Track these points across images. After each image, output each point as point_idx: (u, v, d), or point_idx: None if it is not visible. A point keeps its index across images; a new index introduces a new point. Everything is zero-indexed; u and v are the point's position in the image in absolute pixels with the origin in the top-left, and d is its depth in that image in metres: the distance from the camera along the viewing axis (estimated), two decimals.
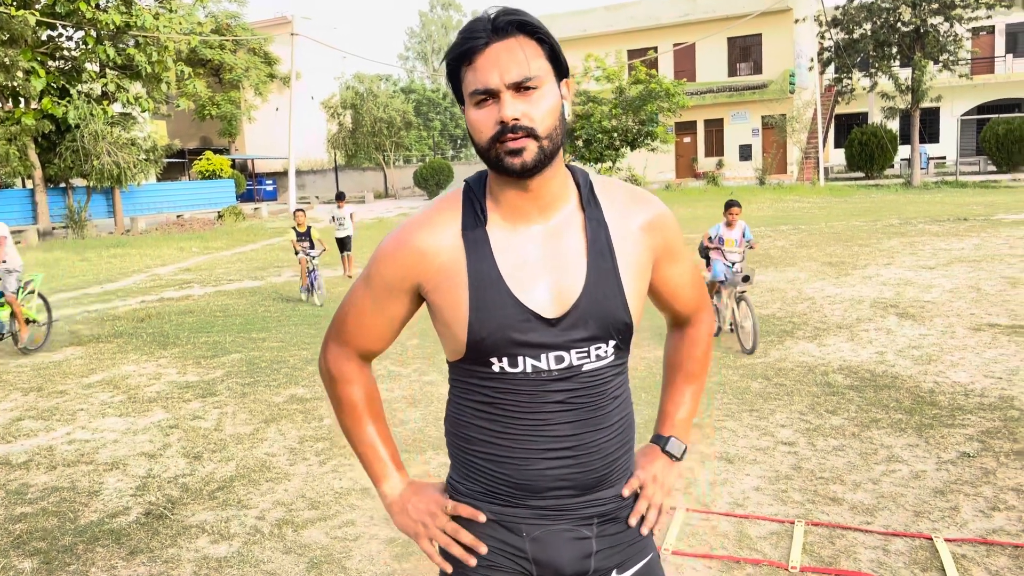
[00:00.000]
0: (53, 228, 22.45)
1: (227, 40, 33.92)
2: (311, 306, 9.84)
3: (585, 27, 39.03)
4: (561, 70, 1.34)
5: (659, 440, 1.59)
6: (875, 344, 6.64)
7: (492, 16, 1.30)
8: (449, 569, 1.45)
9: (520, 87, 1.27)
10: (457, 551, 1.42)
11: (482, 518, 1.42)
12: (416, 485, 1.51)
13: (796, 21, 33.03)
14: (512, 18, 1.29)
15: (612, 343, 1.39)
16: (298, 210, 10.63)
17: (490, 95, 1.28)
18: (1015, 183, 26.18)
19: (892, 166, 33.57)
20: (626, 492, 1.46)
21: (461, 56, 1.30)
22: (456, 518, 1.44)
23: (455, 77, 1.33)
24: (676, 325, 1.66)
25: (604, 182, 1.45)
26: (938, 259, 11.09)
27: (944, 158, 36.54)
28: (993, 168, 31.71)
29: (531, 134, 1.27)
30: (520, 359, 1.35)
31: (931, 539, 3.28)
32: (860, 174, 33.97)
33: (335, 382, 1.52)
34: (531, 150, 1.28)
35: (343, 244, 12.14)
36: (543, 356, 1.35)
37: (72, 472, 4.53)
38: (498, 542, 1.42)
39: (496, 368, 1.37)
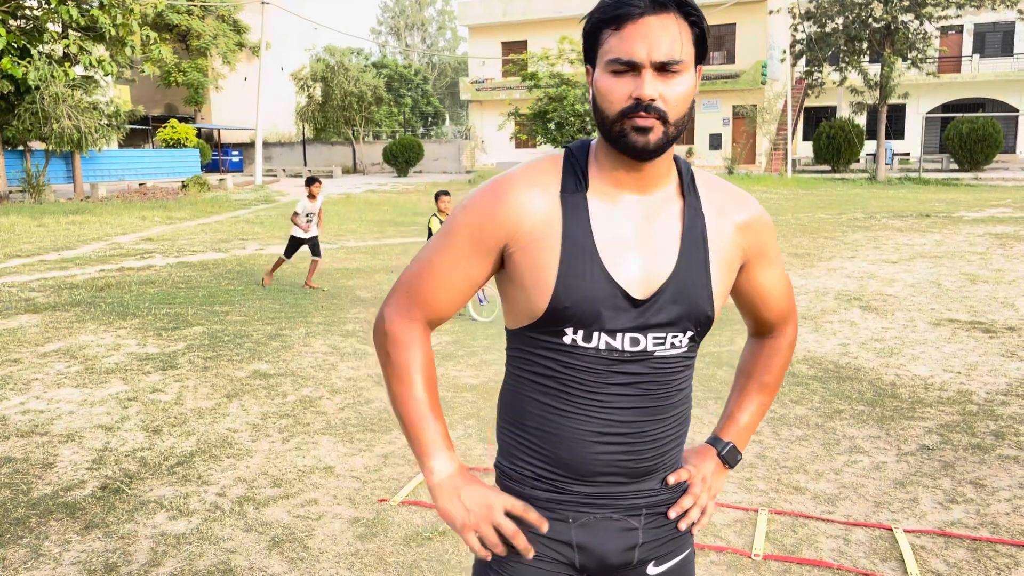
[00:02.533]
0: (10, 192, 21.84)
1: (195, 5, 33.16)
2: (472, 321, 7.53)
3: (560, 9, 38.81)
4: (703, 55, 1.30)
5: (716, 443, 1.55)
6: (839, 336, 6.73)
7: None
8: (489, 558, 1.38)
9: (664, 67, 1.23)
10: (501, 552, 1.35)
11: (544, 527, 1.36)
12: (470, 472, 1.42)
13: (770, 12, 33.22)
14: None
15: (689, 333, 1.36)
16: (444, 193, 7.86)
17: (631, 67, 1.24)
18: (976, 182, 26.70)
19: (858, 160, 34.04)
20: (672, 480, 1.43)
21: (610, 19, 1.24)
22: (511, 518, 1.36)
23: (593, 36, 1.28)
24: (759, 333, 1.61)
25: (705, 176, 1.43)
26: (900, 254, 11.27)
27: (908, 154, 37.17)
28: (955, 166, 32.30)
29: (662, 117, 1.24)
30: (596, 334, 1.31)
31: (891, 530, 3.33)
32: (827, 167, 34.38)
33: (396, 344, 1.39)
34: (657, 132, 1.25)
35: (313, 247, 9.20)
36: (619, 335, 1.32)
37: (25, 443, 4.41)
38: (552, 534, 1.39)
39: (568, 340, 1.32)
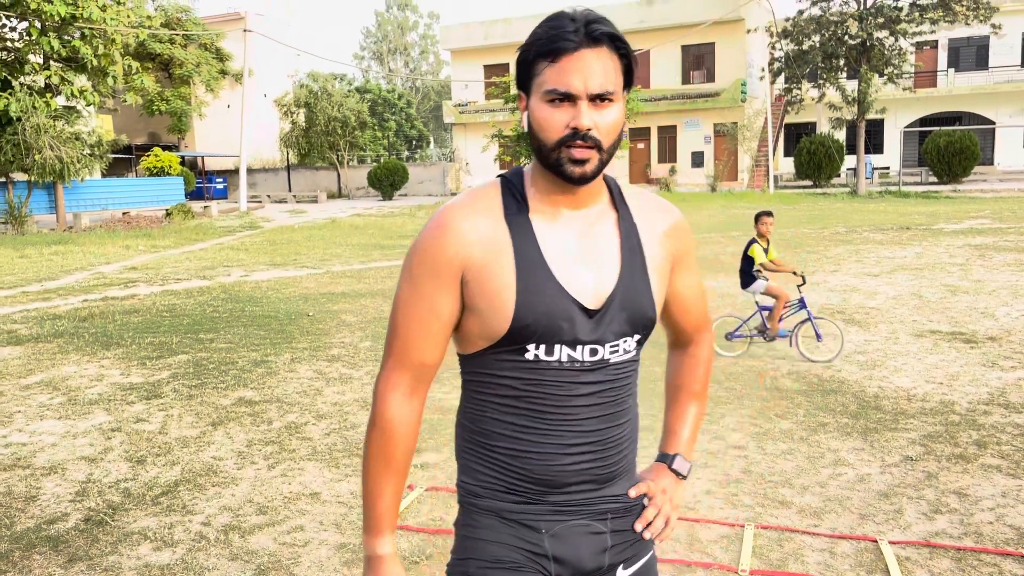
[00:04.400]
0: None
1: (177, 35, 33.25)
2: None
3: None
4: (629, 84, 1.37)
5: (665, 458, 1.62)
6: (822, 349, 6.77)
7: (585, 21, 1.31)
8: None
9: (599, 98, 1.31)
10: None
11: None
12: (399, 563, 1.46)
13: (748, 31, 33.64)
14: (606, 30, 1.31)
15: (637, 337, 1.43)
16: (766, 214, 7.12)
17: (568, 98, 1.30)
18: (955, 194, 27.01)
19: (839, 175, 34.37)
20: (633, 493, 1.49)
21: (547, 52, 1.31)
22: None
23: (528, 66, 1.34)
24: (679, 344, 1.68)
25: (631, 188, 1.51)
26: (882, 267, 11.37)
27: (888, 168, 37.59)
28: (934, 179, 32.68)
29: (597, 145, 1.31)
30: (557, 347, 1.36)
31: (876, 541, 3.34)
32: (808, 182, 34.70)
33: (381, 422, 1.41)
34: (593, 162, 1.32)
35: None
36: (579, 347, 1.37)
37: (8, 476, 4.36)
38: (518, 539, 1.42)
39: (531, 356, 1.37)
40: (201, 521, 3.75)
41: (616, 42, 1.32)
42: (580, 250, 1.39)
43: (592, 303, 1.37)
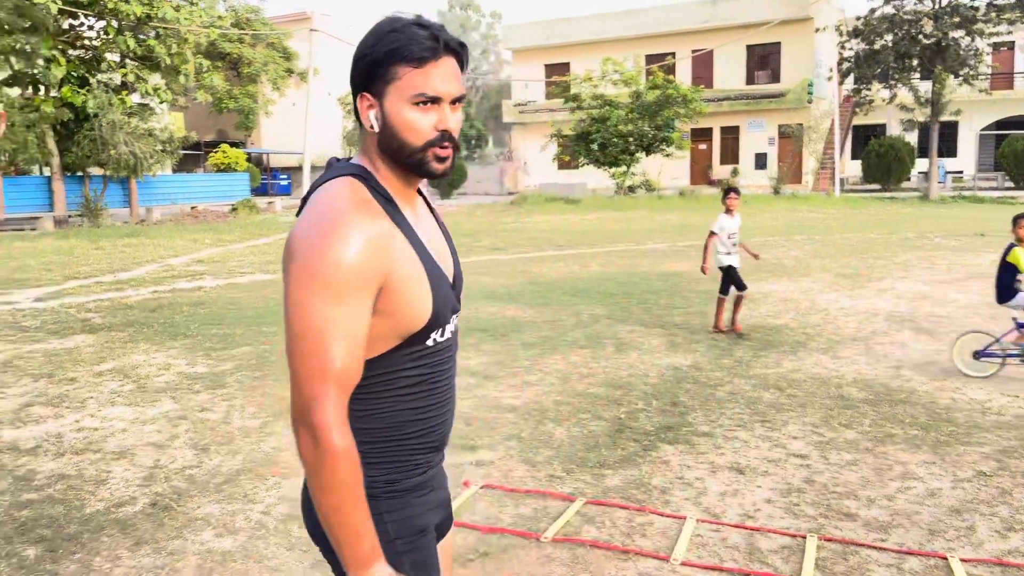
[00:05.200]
0: (69, 216, 22.55)
1: (246, 34, 34.02)
2: None
3: (604, 31, 38.96)
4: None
5: None
6: (890, 358, 6.57)
7: (440, 30, 1.41)
8: None
9: (457, 101, 1.44)
10: None
11: None
12: None
13: (816, 30, 32.88)
14: (459, 40, 1.44)
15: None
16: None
17: (434, 102, 1.41)
18: None
19: (909, 179, 33.37)
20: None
21: (412, 57, 1.38)
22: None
23: (382, 66, 1.39)
24: None
25: None
26: (954, 274, 10.98)
27: (961, 172, 36.31)
28: (1011, 184, 31.46)
29: (455, 145, 1.45)
30: (444, 328, 1.50)
31: (946, 559, 3.22)
32: (876, 186, 33.77)
33: (342, 460, 1.31)
34: (451, 159, 1.46)
35: (732, 278, 7.64)
36: (452, 322, 1.54)
37: (80, 460, 4.52)
38: (426, 505, 1.55)
39: (431, 342, 1.48)
40: (261, 510, 3.81)
41: (464, 52, 1.46)
42: (431, 235, 1.52)
43: (451, 280, 1.53)
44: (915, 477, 4.09)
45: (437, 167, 1.43)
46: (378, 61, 1.39)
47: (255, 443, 4.74)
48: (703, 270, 7.79)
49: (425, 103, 1.39)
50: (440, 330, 1.47)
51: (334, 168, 1.48)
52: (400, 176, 1.46)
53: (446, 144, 1.42)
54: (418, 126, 1.39)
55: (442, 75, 1.39)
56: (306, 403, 1.32)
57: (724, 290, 7.70)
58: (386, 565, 1.38)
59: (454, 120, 1.43)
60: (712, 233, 7.64)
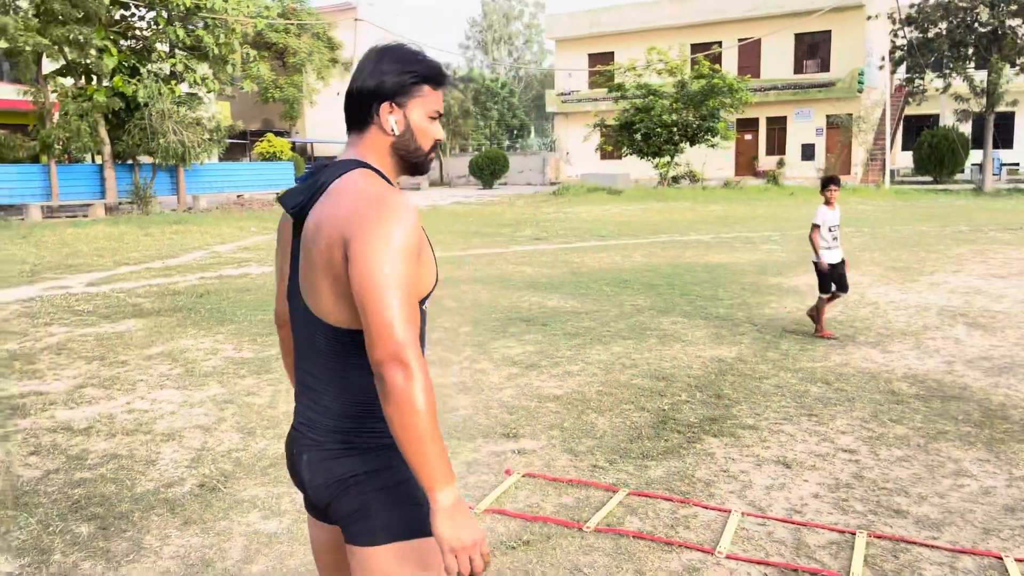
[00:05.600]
0: (119, 203, 23.05)
1: (292, 24, 34.37)
2: None
3: (649, 20, 38.55)
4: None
5: None
6: (943, 353, 6.41)
7: (445, 66, 1.79)
8: (480, 570, 1.56)
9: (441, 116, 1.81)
10: (479, 568, 1.55)
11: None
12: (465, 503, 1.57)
13: (868, 18, 32.14)
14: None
15: None
16: None
17: (439, 117, 1.78)
18: None
19: (962, 171, 32.50)
20: None
21: (437, 80, 1.75)
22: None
23: (414, 84, 1.72)
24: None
25: None
26: (1010, 268, 10.67)
27: (1017, 165, 35.26)
28: None
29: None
30: (429, 297, 1.73)
31: (1001, 558, 3.13)
32: (928, 178, 32.96)
33: (429, 384, 1.53)
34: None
35: (832, 276, 7.06)
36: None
37: (130, 441, 4.61)
38: None
39: (425, 307, 1.72)
40: None
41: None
42: None
43: None
44: (968, 475, 3.99)
45: (429, 166, 1.81)
46: (409, 80, 1.70)
47: None
48: (818, 266, 7.01)
49: (436, 118, 1.76)
50: (430, 297, 1.71)
51: (339, 165, 1.70)
52: (398, 171, 1.77)
53: (435, 150, 1.78)
54: (429, 135, 1.75)
55: (443, 99, 1.78)
56: (400, 345, 1.51)
57: (825, 288, 7.03)
58: (455, 488, 1.54)
59: (442, 133, 1.80)
60: (815, 226, 7.05)
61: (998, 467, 4.07)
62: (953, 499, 3.71)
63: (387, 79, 1.69)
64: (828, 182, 7.09)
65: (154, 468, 4.21)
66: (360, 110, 1.72)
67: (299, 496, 3.82)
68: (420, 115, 1.72)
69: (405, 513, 1.65)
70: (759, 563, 3.13)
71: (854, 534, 3.35)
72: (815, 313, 7.13)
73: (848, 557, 3.17)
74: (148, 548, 3.34)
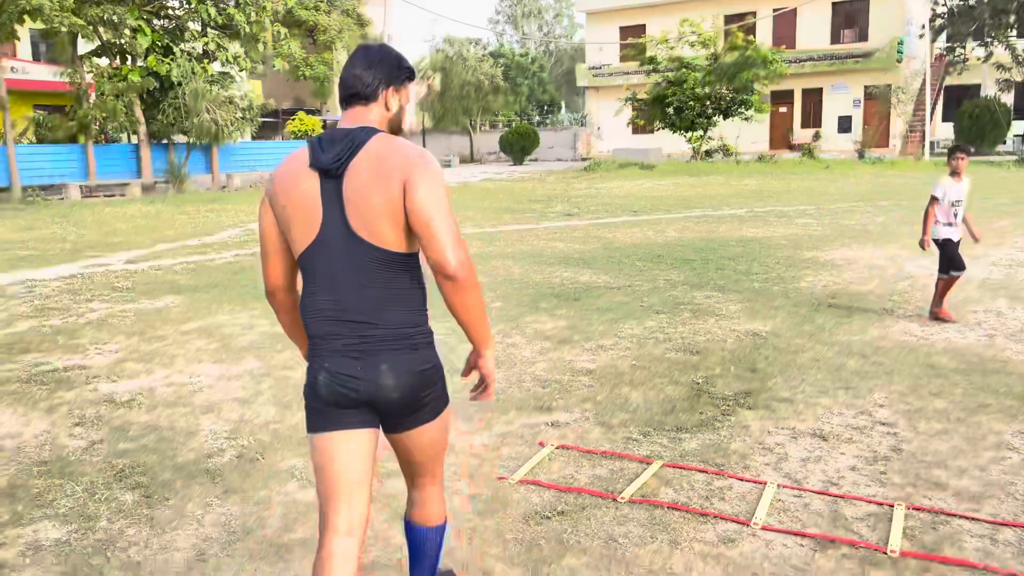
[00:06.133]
0: (155, 182, 23.37)
1: (322, 1, 34.36)
2: None
3: None
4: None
5: None
6: (983, 327, 6.29)
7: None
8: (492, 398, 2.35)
9: None
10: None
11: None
12: None
13: None
14: None
15: None
16: None
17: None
18: None
19: (1004, 142, 31.68)
20: None
21: (413, 77, 2.30)
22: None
23: (403, 78, 2.24)
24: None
25: None
26: None
27: None
28: None
29: None
30: None
31: None
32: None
33: (477, 278, 2.10)
34: None
35: (948, 254, 6.46)
36: None
37: (171, 413, 4.71)
38: None
39: None
40: None
41: None
42: None
43: None
44: (1011, 447, 3.92)
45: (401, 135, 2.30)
46: (404, 75, 2.24)
47: None
48: (922, 244, 6.48)
49: (410, 103, 2.40)
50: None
51: (363, 130, 2.13)
52: None
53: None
54: (408, 114, 2.54)
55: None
56: (463, 251, 2.06)
57: (945, 268, 6.45)
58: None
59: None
60: (933, 199, 6.40)
61: None
62: (994, 472, 3.66)
63: (392, 72, 2.20)
64: (956, 150, 6.45)
65: (194, 439, 4.29)
66: (365, 92, 2.17)
67: None
68: (406, 99, 2.27)
69: (446, 387, 2.29)
70: (795, 534, 3.12)
71: (892, 506, 3.32)
72: (938, 293, 6.55)
73: (886, 529, 3.14)
74: (190, 516, 3.41)
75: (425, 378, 2.17)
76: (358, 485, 2.18)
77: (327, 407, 2.18)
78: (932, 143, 32.52)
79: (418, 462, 2.34)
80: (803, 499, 3.44)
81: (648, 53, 32.35)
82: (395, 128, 2.24)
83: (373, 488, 2.31)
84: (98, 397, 5.03)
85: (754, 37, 31.69)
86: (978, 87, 35.27)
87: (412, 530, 2.46)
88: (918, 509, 3.31)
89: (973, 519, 3.21)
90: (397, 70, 2.20)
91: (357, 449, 2.18)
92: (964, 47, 28.68)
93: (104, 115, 21.47)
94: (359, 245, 2.07)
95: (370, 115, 2.17)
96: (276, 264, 2.24)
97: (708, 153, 32.32)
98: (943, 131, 36.63)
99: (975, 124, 30.62)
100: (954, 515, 3.25)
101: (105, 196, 21.82)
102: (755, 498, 3.44)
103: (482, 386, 2.26)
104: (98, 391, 5.16)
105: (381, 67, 2.18)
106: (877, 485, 3.56)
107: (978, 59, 29.00)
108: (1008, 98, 31.70)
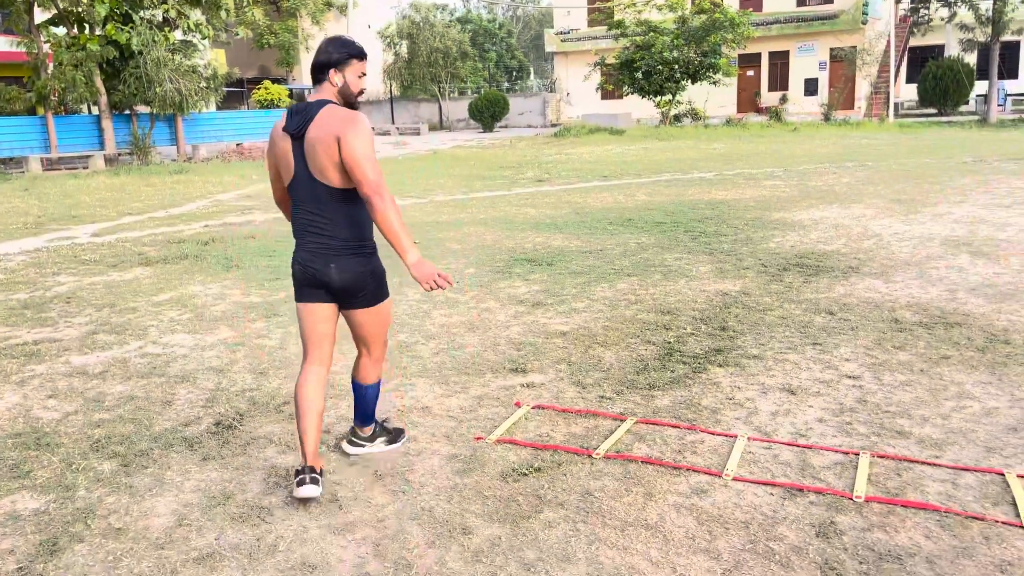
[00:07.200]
0: (119, 154, 22.91)
1: None
2: None
3: None
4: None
5: None
6: (946, 282, 6.44)
7: (361, 46, 3.18)
8: (446, 285, 2.99)
9: (362, 76, 3.18)
10: (445, 285, 2.98)
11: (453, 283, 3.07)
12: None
13: None
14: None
15: None
16: None
17: (363, 76, 3.16)
18: None
19: (967, 102, 32.07)
20: None
21: (360, 56, 3.13)
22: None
23: (348, 59, 3.09)
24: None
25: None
26: (1015, 197, 10.64)
27: (1023, 95, 34.75)
28: None
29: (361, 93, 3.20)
30: None
31: (1003, 474, 3.21)
32: (932, 110, 32.56)
33: (393, 202, 2.96)
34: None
35: None
36: None
37: (146, 383, 4.69)
38: None
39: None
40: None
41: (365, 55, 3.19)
42: None
43: None
44: (971, 396, 4.05)
45: (358, 104, 3.16)
46: (344, 56, 3.08)
47: None
48: None
49: (361, 76, 3.14)
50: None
51: (316, 103, 3.04)
52: (344, 106, 3.11)
53: (361, 93, 3.16)
54: (358, 86, 3.14)
55: (365, 64, 3.14)
56: (378, 184, 2.95)
57: None
58: (418, 251, 3.01)
59: (365, 84, 3.18)
60: None
61: (1000, 389, 4.14)
62: (955, 420, 3.78)
63: (333, 56, 3.06)
64: None
65: (171, 408, 4.29)
66: (321, 73, 3.10)
67: None
68: (351, 76, 3.09)
69: (384, 287, 3.27)
70: (765, 483, 3.21)
71: (858, 455, 3.43)
72: None
73: (852, 476, 3.25)
74: (170, 482, 3.43)
75: (361, 276, 3.13)
76: (324, 336, 3.27)
77: (302, 286, 3.21)
78: (896, 104, 32.82)
79: (358, 336, 3.34)
80: (772, 451, 3.54)
81: (616, 17, 32.17)
82: (346, 96, 3.09)
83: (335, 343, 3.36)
84: (70, 369, 5.00)
85: (721, 0, 31.62)
86: (942, 48, 35.60)
87: (354, 385, 3.50)
88: (883, 457, 3.42)
89: (935, 465, 3.33)
90: (337, 54, 3.04)
91: (322, 314, 3.23)
92: (928, 8, 28.83)
93: (63, 86, 20.94)
94: (316, 184, 3.06)
95: (324, 91, 3.10)
96: (277, 187, 3.31)
97: (677, 117, 32.37)
98: (907, 92, 36.99)
99: (938, 85, 30.95)
100: (917, 461, 3.36)
101: (67, 169, 21.37)
102: (726, 451, 3.54)
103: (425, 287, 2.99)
104: (70, 363, 5.12)
105: (326, 54, 3.07)
106: (843, 435, 3.67)
107: (942, 19, 29.20)
108: (971, 58, 32.03)
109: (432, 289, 2.93)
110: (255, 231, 10.19)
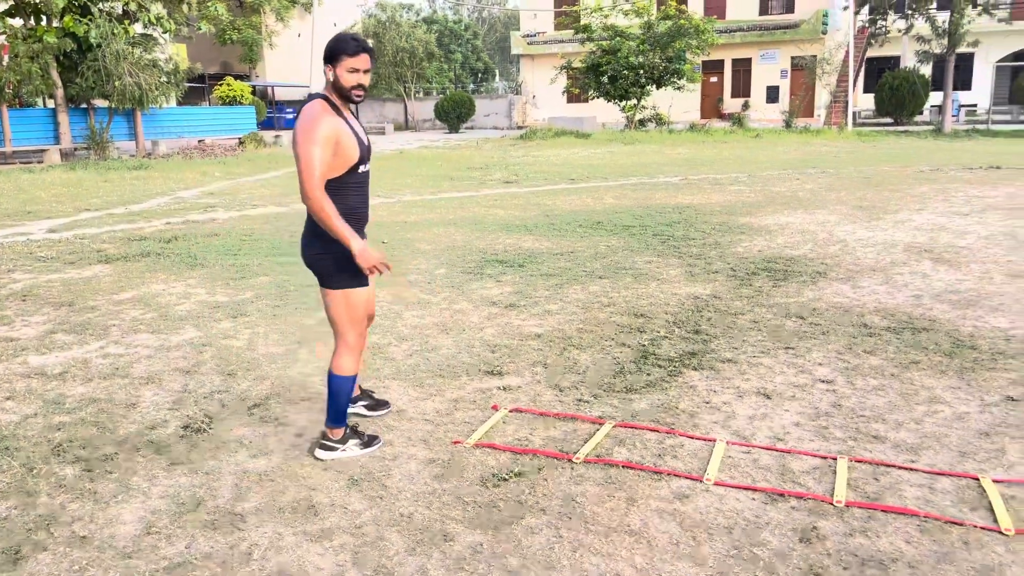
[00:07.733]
0: (75, 148, 22.33)
1: None
2: None
3: None
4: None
5: None
6: (911, 287, 6.54)
7: (362, 41, 3.28)
8: (383, 272, 3.31)
9: (366, 72, 3.27)
10: (384, 270, 3.31)
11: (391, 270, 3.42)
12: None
13: None
14: (369, 46, 3.30)
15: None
16: None
17: (357, 72, 3.23)
18: None
19: (922, 112, 32.78)
20: None
21: (351, 52, 3.23)
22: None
23: (339, 54, 3.22)
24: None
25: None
26: (972, 206, 10.87)
27: (975, 106, 35.66)
28: None
29: (365, 90, 3.31)
30: (366, 164, 3.38)
31: (978, 479, 3.24)
32: (889, 120, 33.22)
33: (323, 199, 3.18)
34: (362, 96, 3.32)
35: None
36: (367, 164, 3.40)
37: (108, 385, 4.55)
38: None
39: (360, 170, 3.34)
40: (294, 432, 3.85)
41: (371, 52, 3.30)
42: (356, 127, 3.37)
43: (366, 145, 3.39)
44: (942, 401, 4.10)
45: (354, 98, 3.28)
46: (341, 52, 3.21)
47: (281, 369, 4.76)
48: None
49: (354, 71, 3.23)
50: (365, 164, 3.35)
51: (310, 96, 3.24)
52: (340, 101, 3.30)
53: (359, 90, 3.28)
54: (351, 81, 3.24)
55: (362, 61, 3.24)
56: (307, 187, 3.16)
57: None
58: (360, 238, 3.26)
59: (366, 79, 3.28)
60: None
61: (970, 394, 4.20)
62: (928, 425, 3.82)
63: (327, 52, 3.25)
64: None
65: (135, 411, 4.16)
66: (324, 71, 3.27)
67: (286, 435, 3.82)
68: (342, 71, 3.22)
69: (338, 277, 3.38)
70: (746, 488, 3.21)
71: (836, 459, 3.44)
72: None
73: (831, 481, 3.26)
74: (136, 488, 3.32)
75: (317, 259, 3.38)
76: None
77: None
78: (854, 113, 33.44)
79: (326, 317, 3.51)
80: (752, 455, 3.54)
81: (582, 21, 32.30)
82: (339, 90, 3.27)
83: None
84: (28, 370, 4.83)
85: (686, 7, 31.94)
86: (898, 59, 36.36)
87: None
88: (860, 461, 3.44)
89: (912, 469, 3.35)
90: (330, 50, 3.25)
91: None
92: (885, 20, 29.43)
93: (19, 78, 20.35)
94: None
95: (324, 87, 3.35)
96: None
97: (642, 122, 32.59)
98: (864, 101, 37.71)
99: (894, 95, 31.57)
100: (894, 466, 3.39)
101: (21, 163, 20.78)
102: (706, 455, 3.53)
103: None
104: (28, 364, 4.94)
105: (326, 50, 3.28)
106: (820, 439, 3.68)
107: (899, 31, 29.83)
108: (927, 69, 32.76)
109: (372, 274, 3.26)
110: (218, 229, 9.99)
